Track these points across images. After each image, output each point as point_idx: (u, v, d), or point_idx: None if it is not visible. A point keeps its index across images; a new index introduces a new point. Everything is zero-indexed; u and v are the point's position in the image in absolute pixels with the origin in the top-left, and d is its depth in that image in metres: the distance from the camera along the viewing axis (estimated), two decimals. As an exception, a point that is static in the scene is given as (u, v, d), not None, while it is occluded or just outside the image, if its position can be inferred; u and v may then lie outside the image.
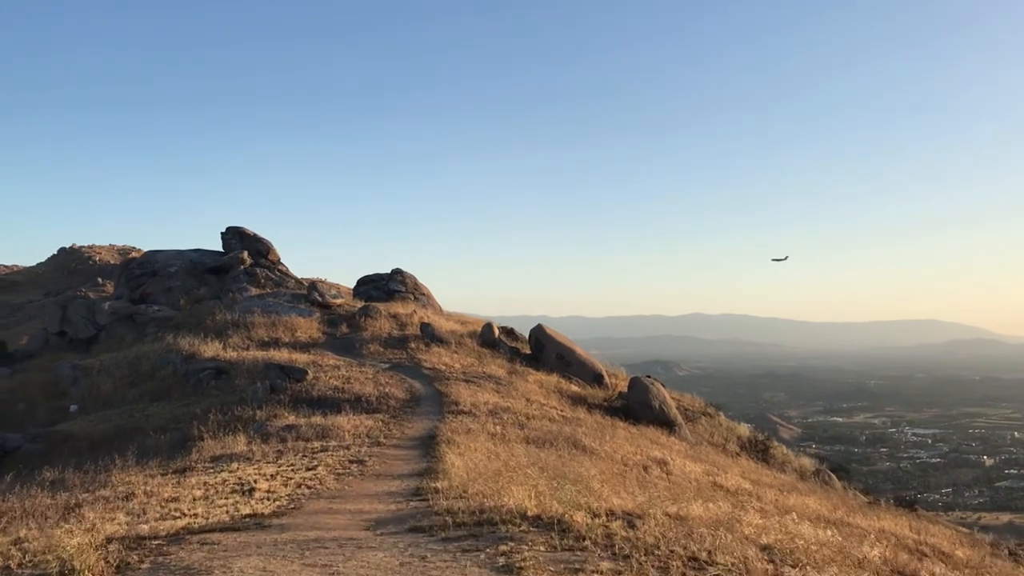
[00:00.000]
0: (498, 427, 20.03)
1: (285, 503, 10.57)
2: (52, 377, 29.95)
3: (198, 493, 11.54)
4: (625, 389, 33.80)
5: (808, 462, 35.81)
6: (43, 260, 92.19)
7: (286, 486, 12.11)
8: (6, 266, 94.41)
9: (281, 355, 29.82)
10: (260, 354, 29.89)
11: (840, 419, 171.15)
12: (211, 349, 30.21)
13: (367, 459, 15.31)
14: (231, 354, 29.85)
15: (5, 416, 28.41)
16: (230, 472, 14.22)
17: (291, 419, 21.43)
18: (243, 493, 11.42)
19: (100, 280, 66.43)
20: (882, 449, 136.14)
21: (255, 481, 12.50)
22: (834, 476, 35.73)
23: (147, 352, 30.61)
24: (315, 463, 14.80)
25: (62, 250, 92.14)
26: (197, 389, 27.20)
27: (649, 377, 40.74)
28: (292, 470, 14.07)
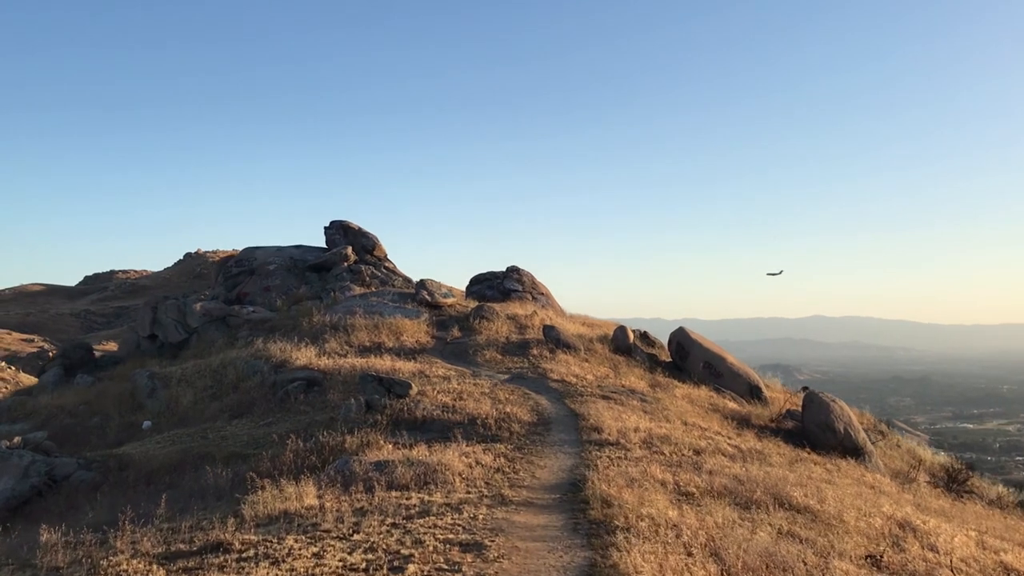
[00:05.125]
0: (665, 469, 13.72)
1: None
2: (129, 387, 25.36)
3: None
4: (789, 405, 26.91)
5: (1005, 491, 28.08)
6: (170, 265, 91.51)
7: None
8: (136, 271, 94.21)
9: (383, 363, 24.35)
10: (359, 362, 24.49)
11: (971, 425, 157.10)
12: (304, 356, 25.01)
13: (487, 540, 9.32)
14: (326, 362, 24.54)
15: (78, 432, 23.94)
16: (269, 566, 8.52)
17: (386, 450, 15.71)
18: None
19: (220, 283, 63.76)
20: (1017, 458, 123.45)
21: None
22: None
23: (233, 359, 25.63)
24: (405, 551, 8.91)
25: (188, 255, 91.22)
26: (283, 404, 21.96)
27: (804, 389, 33.74)
28: (366, 571, 8.22)
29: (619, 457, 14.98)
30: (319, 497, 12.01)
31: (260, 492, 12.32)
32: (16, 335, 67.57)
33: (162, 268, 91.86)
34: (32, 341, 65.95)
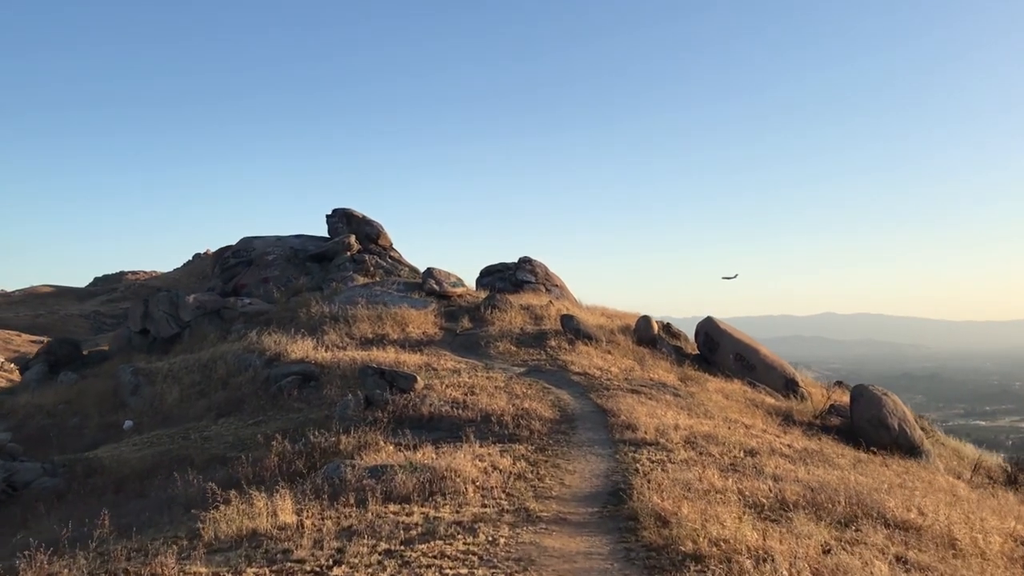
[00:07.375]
0: (723, 475, 11.08)
1: None
2: (112, 385, 22.84)
3: None
4: (831, 400, 24.23)
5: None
6: (179, 266, 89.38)
7: None
8: (145, 271, 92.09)
9: (386, 355, 21.74)
10: (360, 354, 21.89)
11: (983, 422, 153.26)
12: (301, 349, 22.43)
13: (513, 578, 6.74)
14: (324, 355, 21.96)
15: (55, 433, 21.42)
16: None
17: (386, 452, 13.14)
18: None
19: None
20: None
21: None
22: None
23: (224, 353, 23.08)
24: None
25: (196, 255, 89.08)
26: (276, 401, 19.40)
27: (839, 383, 31.13)
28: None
29: (662, 459, 12.35)
30: (298, 512, 9.43)
31: (223, 507, 9.71)
32: (25, 337, 65.34)
33: (171, 269, 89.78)
34: (41, 343, 63.70)
